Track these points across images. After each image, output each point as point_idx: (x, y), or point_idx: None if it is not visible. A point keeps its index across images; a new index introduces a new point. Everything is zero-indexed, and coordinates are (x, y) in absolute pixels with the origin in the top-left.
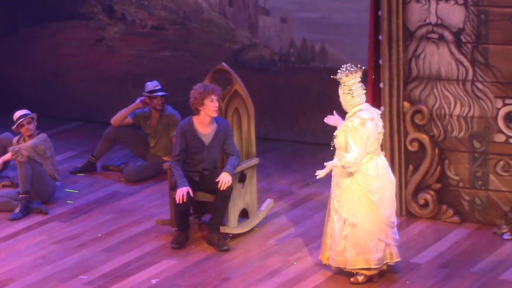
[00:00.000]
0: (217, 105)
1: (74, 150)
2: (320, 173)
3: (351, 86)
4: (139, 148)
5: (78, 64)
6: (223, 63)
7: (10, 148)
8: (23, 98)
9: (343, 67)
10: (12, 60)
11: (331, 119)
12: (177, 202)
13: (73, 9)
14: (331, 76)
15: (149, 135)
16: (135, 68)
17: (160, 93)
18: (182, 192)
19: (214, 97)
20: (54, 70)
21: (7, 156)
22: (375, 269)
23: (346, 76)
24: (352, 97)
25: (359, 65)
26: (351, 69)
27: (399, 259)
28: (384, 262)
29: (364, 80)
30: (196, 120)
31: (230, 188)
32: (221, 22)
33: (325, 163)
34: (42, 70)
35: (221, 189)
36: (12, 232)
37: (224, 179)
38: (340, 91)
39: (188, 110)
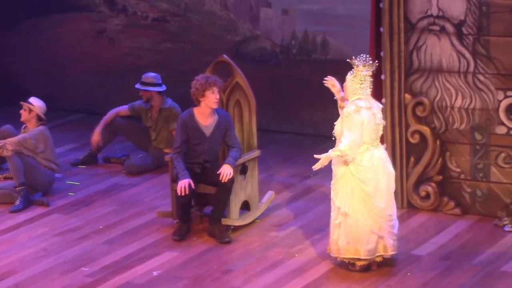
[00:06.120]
0: (218, 97)
1: (76, 142)
2: (316, 166)
3: (363, 77)
4: (140, 140)
5: (79, 56)
6: (224, 55)
7: None
8: (25, 90)
9: (362, 56)
10: (14, 52)
11: (329, 82)
12: (179, 194)
13: (75, 1)
14: (347, 60)
15: (150, 128)
16: (136, 60)
17: (141, 87)
18: (184, 184)
19: (215, 89)
20: (55, 62)
21: None
22: (365, 259)
23: (363, 66)
24: (361, 88)
25: (376, 61)
26: (369, 61)
27: (394, 253)
28: (377, 254)
29: None
30: (196, 111)
31: (231, 180)
32: (223, 14)
33: (316, 156)
34: (44, 62)
35: (222, 181)
36: (14, 224)
37: (226, 171)
38: (350, 77)
39: (189, 102)
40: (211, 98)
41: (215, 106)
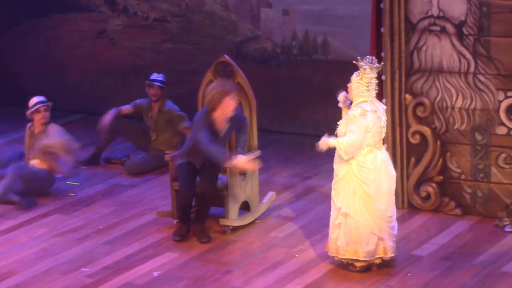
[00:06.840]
0: (235, 104)
1: (76, 142)
2: (318, 146)
3: (369, 80)
4: (140, 140)
5: (80, 57)
6: (225, 55)
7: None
8: (25, 91)
9: (368, 58)
10: (15, 52)
11: (342, 96)
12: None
13: (75, 1)
14: (353, 62)
15: (150, 128)
16: (137, 60)
17: (157, 83)
18: (242, 160)
19: (234, 95)
20: (56, 62)
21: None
22: (363, 261)
23: (370, 69)
24: (367, 90)
25: (382, 63)
26: (375, 64)
27: (393, 255)
28: (377, 256)
29: None
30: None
31: (214, 191)
32: (223, 14)
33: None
34: (45, 62)
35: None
36: (14, 225)
37: (243, 164)
38: (356, 79)
39: (189, 103)
40: (230, 105)
41: (232, 113)
